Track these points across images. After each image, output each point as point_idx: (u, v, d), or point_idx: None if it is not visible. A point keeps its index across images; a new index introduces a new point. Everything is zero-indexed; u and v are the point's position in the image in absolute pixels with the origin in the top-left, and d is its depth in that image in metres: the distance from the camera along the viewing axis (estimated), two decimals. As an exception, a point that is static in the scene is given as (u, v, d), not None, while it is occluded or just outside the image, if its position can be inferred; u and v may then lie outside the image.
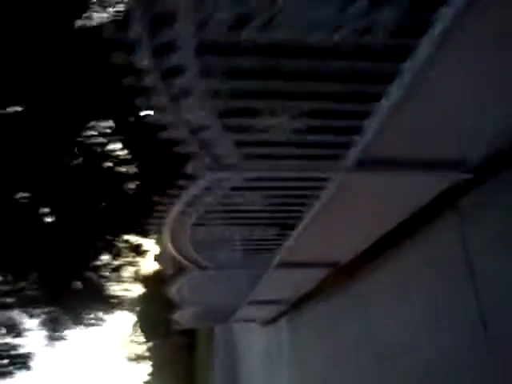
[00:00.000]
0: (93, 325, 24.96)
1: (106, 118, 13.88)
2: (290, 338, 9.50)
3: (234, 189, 3.61)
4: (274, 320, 10.82)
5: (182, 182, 3.52)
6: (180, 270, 6.37)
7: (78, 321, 24.00)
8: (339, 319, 6.48)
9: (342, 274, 5.99)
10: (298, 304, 8.60)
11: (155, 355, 40.35)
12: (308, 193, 3.81)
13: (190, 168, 3.24)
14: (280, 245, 5.21)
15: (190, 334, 35.02)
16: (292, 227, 4.57)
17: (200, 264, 5.79)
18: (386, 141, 2.99)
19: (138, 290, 38.02)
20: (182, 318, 10.43)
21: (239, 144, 3.04)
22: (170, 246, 5.13)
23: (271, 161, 3.22)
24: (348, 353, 6.13)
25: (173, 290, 7.57)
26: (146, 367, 44.81)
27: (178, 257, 5.42)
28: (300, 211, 4.16)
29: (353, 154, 3.18)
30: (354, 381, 5.96)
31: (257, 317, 11.54)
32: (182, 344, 36.04)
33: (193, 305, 9.04)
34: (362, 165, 3.25)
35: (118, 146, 14.95)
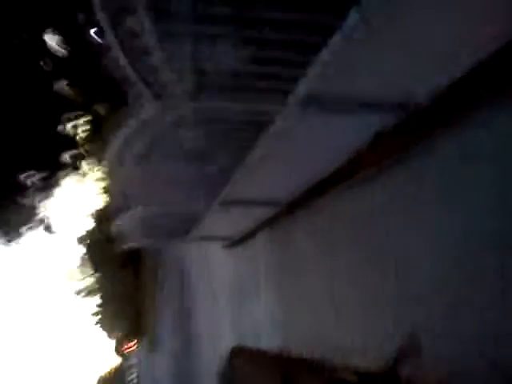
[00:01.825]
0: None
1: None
2: (274, 258, 7.26)
3: (176, 122, 3.27)
4: (243, 240, 8.66)
5: (123, 111, 3.18)
6: (124, 205, 6.02)
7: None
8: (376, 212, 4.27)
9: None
10: (287, 210, 6.22)
11: (104, 287, 40.44)
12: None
13: (131, 97, 2.88)
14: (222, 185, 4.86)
15: (136, 264, 35.20)
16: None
17: (142, 201, 5.45)
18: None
19: (87, 223, 37.67)
20: (127, 235, 8.11)
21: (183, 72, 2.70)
22: (111, 181, 4.77)
23: (218, 91, 2.90)
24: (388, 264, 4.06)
25: (117, 225, 7.23)
26: (95, 300, 44.99)
27: (121, 192, 5.08)
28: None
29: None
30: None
31: (222, 234, 9.04)
32: (130, 276, 36.20)
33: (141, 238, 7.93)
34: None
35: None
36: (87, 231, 38.01)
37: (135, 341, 41.18)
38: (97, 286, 42.47)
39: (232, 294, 10.02)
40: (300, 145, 3.90)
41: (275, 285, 7.15)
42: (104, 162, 4.48)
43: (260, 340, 7.52)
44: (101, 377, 53.92)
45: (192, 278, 16.19)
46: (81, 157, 21.17)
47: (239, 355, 8.22)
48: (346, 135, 3.79)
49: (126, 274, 35.52)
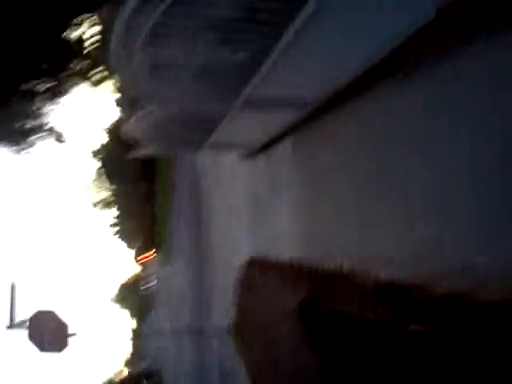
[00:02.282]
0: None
1: None
2: (297, 167, 6.61)
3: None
4: (263, 149, 7.88)
5: None
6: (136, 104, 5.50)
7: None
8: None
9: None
10: (312, 116, 5.51)
11: (120, 200, 40.96)
12: None
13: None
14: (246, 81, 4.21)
15: (151, 180, 35.28)
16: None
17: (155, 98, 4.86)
18: None
19: (101, 135, 37.54)
20: (140, 140, 7.53)
21: None
22: (121, 74, 4.21)
23: None
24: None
25: (130, 129, 6.73)
26: (113, 212, 45.65)
27: (131, 85, 4.50)
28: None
29: None
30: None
31: (241, 141, 8.02)
32: (144, 191, 36.40)
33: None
34: None
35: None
36: (102, 144, 37.95)
37: (153, 251, 42.24)
38: (113, 198, 43.09)
39: (249, 206, 9.50)
40: (343, 26, 3.18)
41: (297, 196, 6.64)
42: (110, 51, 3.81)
43: (279, 251, 7.23)
44: (122, 284, 56.04)
45: (206, 189, 15.76)
46: (91, 65, 20.37)
47: (257, 266, 8.17)
48: (401, 14, 2.99)
49: (141, 187, 35.70)
